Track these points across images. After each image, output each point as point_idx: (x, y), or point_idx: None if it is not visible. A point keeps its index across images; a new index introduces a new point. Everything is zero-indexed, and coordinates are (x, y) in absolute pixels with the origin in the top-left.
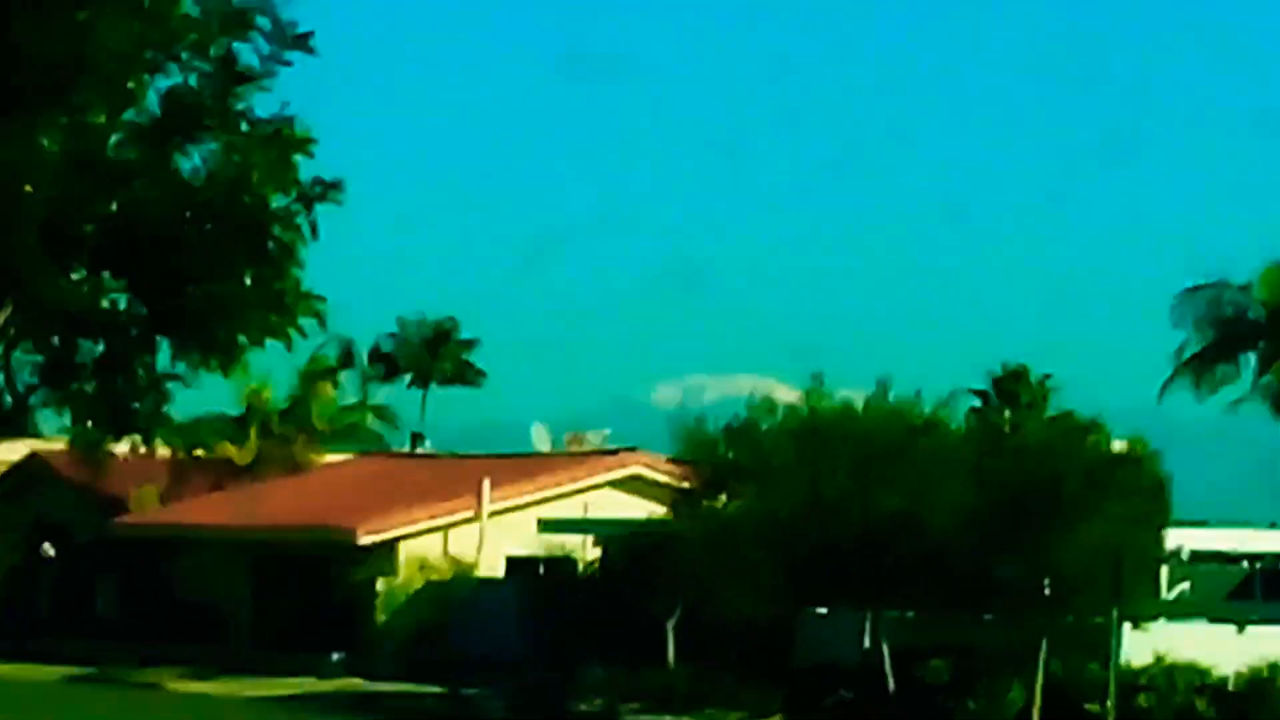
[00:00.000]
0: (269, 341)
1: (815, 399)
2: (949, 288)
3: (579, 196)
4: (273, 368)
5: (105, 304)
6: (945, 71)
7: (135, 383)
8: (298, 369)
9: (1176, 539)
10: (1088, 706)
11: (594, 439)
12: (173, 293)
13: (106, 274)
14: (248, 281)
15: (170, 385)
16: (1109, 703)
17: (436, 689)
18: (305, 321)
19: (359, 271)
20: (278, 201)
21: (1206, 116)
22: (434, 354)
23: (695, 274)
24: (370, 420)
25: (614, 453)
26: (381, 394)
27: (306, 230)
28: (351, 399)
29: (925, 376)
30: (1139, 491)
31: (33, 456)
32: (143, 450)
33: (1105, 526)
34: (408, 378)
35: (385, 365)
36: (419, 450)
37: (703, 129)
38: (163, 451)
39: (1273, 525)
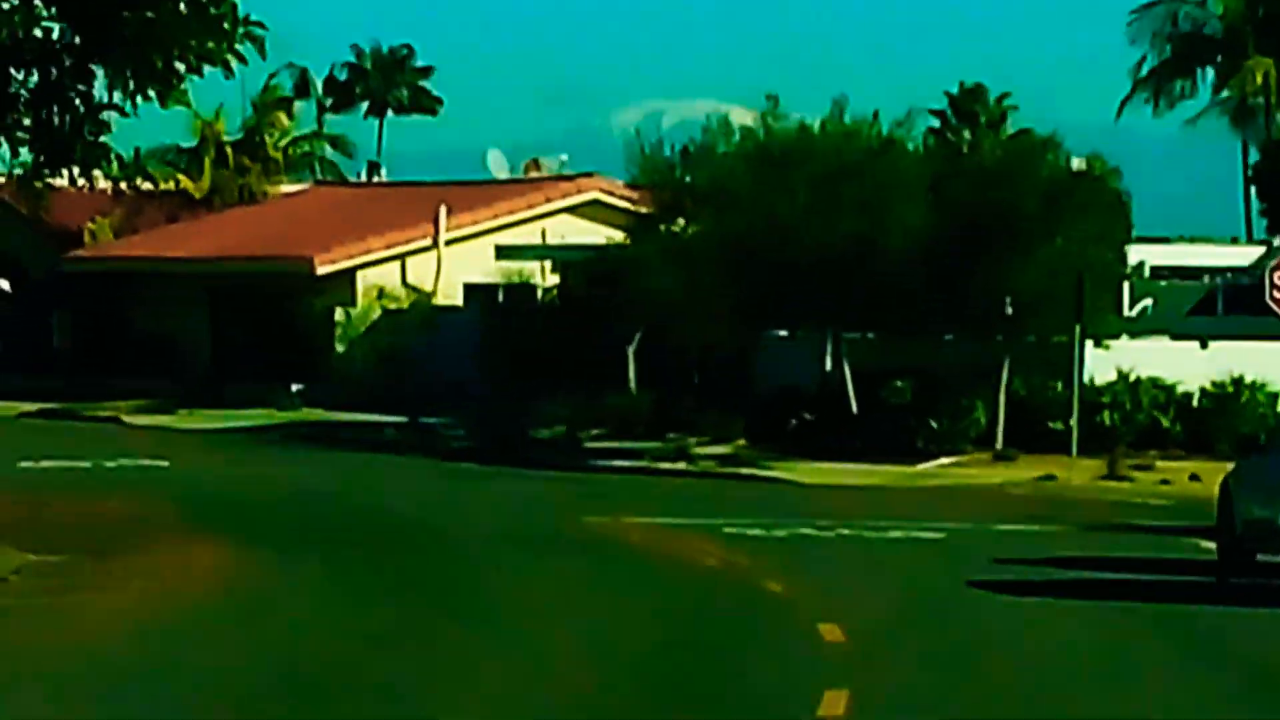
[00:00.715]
0: (218, 71)
1: (771, 121)
2: (906, 7)
3: None
4: (226, 98)
5: (38, 33)
6: None
7: (72, 113)
8: (251, 99)
9: (1138, 255)
10: (1051, 424)
11: (551, 165)
12: (107, 19)
13: (38, 2)
14: (183, 7)
15: (110, 115)
16: (1072, 420)
17: (396, 418)
18: (245, 49)
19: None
20: None
21: None
22: (389, 82)
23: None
24: (326, 150)
25: (571, 178)
26: (338, 124)
27: None
28: (308, 129)
29: (883, 98)
30: (1098, 208)
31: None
32: (82, 182)
33: (1065, 245)
34: (364, 106)
35: (341, 94)
36: (375, 179)
37: None
38: (109, 184)
39: (1234, 240)
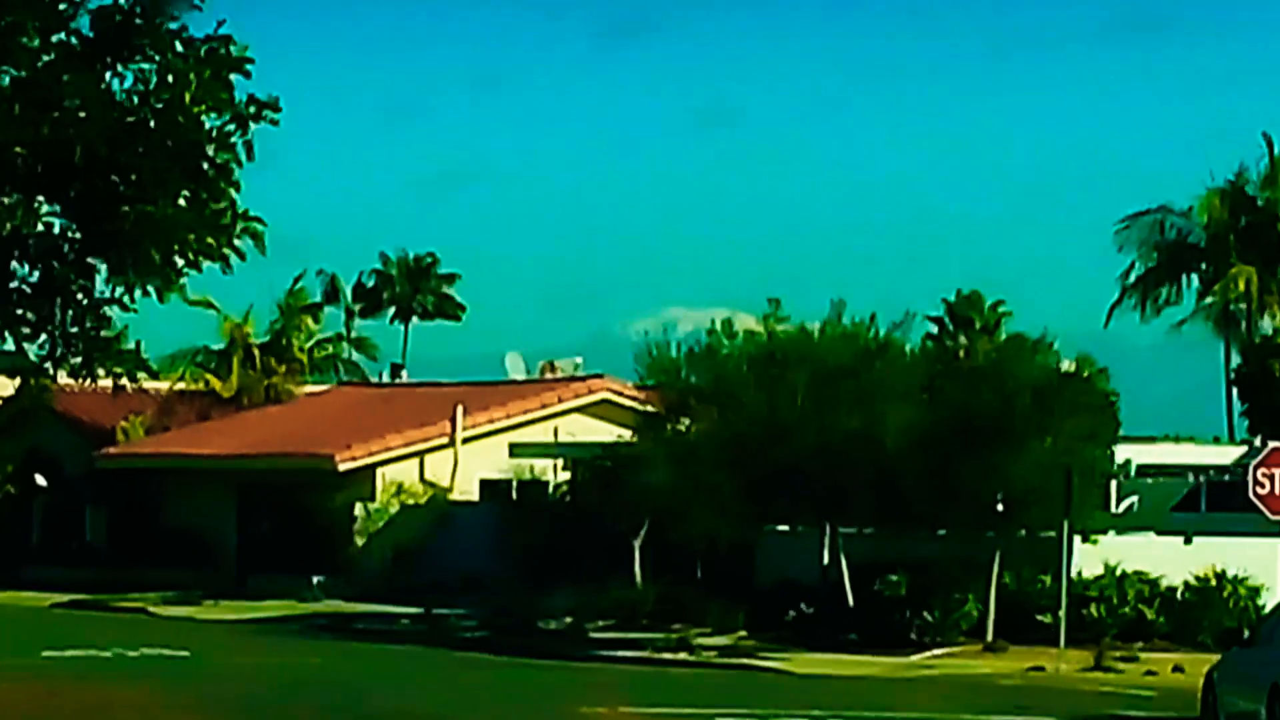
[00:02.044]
0: (245, 273)
1: (773, 323)
2: (908, 222)
3: (558, 133)
4: (255, 301)
5: (40, 228)
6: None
7: (75, 308)
8: (277, 302)
9: (1124, 453)
10: (1040, 617)
11: (566, 367)
12: (107, 215)
13: (40, 197)
14: (183, 203)
15: (114, 311)
16: (1060, 613)
17: (412, 609)
18: (244, 244)
19: (343, 208)
20: (212, 122)
21: (1147, 53)
22: (415, 288)
23: (670, 211)
24: (350, 352)
25: (583, 379)
26: (366, 328)
27: (242, 151)
28: (332, 332)
29: (883, 304)
30: (1087, 408)
31: (25, 389)
32: (85, 381)
33: (1055, 443)
34: (390, 311)
35: (368, 299)
36: (397, 380)
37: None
38: (152, 385)
39: (1216, 440)
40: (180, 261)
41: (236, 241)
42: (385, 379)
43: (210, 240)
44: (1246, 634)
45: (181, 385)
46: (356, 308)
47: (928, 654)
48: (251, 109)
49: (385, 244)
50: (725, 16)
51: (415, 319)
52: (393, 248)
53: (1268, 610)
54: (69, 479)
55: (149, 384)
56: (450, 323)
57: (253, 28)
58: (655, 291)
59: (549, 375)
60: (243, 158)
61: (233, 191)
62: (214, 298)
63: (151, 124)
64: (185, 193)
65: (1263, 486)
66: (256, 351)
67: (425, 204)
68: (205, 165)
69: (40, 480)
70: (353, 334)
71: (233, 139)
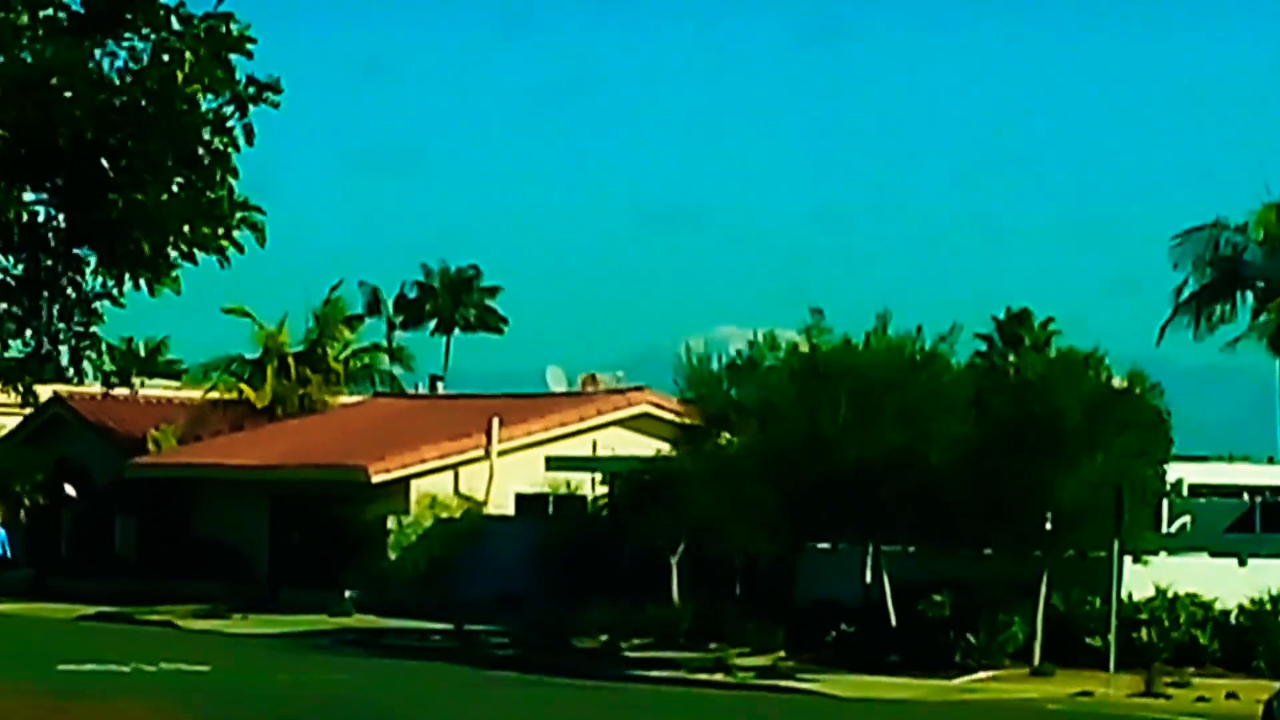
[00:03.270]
0: (281, 284)
1: (815, 335)
2: (955, 240)
3: (609, 140)
4: (291, 310)
5: (25, 216)
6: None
7: (63, 301)
8: (313, 311)
9: (1176, 473)
10: (1088, 640)
11: (608, 381)
12: (95, 203)
13: (23, 184)
14: (175, 188)
15: (103, 306)
16: (1110, 636)
17: (444, 625)
18: (243, 236)
19: (387, 218)
20: (209, 104)
21: (1201, 65)
22: (457, 300)
23: (725, 228)
24: (386, 363)
25: (623, 392)
26: (406, 341)
27: (241, 135)
28: (368, 342)
29: (930, 320)
30: (1139, 425)
31: (55, 398)
32: (71, 375)
33: (1106, 460)
34: (432, 324)
35: (410, 311)
36: (435, 392)
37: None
38: (188, 393)
39: (1270, 460)
40: (173, 253)
41: (235, 233)
42: (424, 391)
43: (205, 230)
44: None
45: (215, 395)
46: (398, 320)
47: (972, 677)
48: (251, 90)
49: (430, 255)
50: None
51: (457, 331)
52: (434, 259)
53: None
54: (99, 489)
55: (182, 393)
56: (493, 335)
57: (253, 7)
58: (707, 309)
59: (589, 389)
60: (241, 142)
61: (230, 179)
62: (250, 307)
63: (144, 106)
64: (179, 180)
65: None
66: (291, 361)
67: (469, 214)
68: (201, 151)
69: (69, 490)
70: (393, 345)
71: (231, 122)
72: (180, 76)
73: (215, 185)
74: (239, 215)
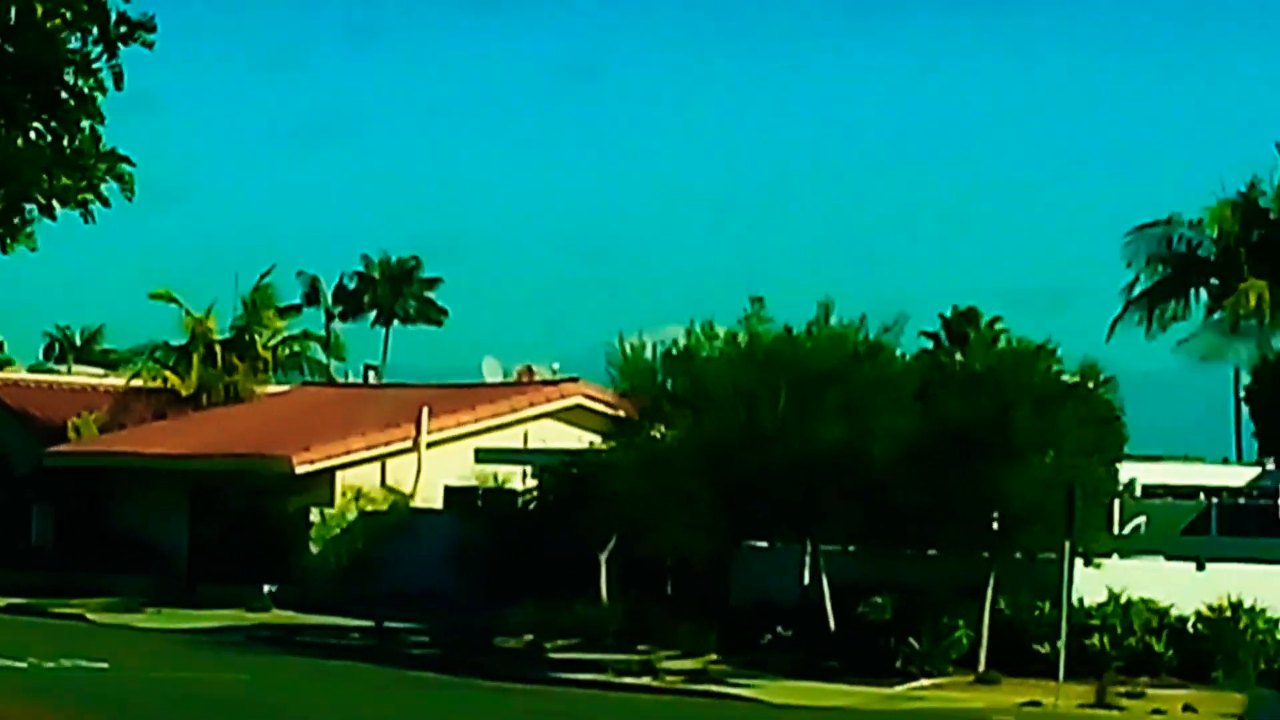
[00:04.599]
0: (211, 271)
1: (755, 324)
2: (906, 232)
3: (570, 131)
4: (221, 298)
5: None
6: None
7: None
8: (242, 296)
9: (1130, 472)
10: (1037, 647)
11: (545, 373)
12: None
13: None
14: (33, 135)
15: None
16: (1060, 642)
17: (365, 622)
18: (109, 189)
19: (328, 207)
20: (73, 43)
21: (1152, 58)
22: (397, 292)
23: (666, 224)
24: (319, 352)
25: (556, 383)
26: (346, 332)
27: (109, 78)
28: (299, 330)
29: (874, 312)
30: (1092, 421)
31: None
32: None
33: (1057, 458)
34: (371, 315)
35: (349, 302)
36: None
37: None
38: (114, 381)
39: (1225, 461)
40: (30, 207)
41: (101, 186)
42: (358, 381)
43: (66, 181)
44: None
45: (139, 382)
46: (337, 310)
47: (914, 684)
48: (123, 29)
49: (370, 245)
50: None
51: (397, 323)
52: (376, 249)
53: None
54: (17, 478)
55: (107, 381)
56: (434, 329)
57: None
58: (658, 309)
59: (524, 380)
60: (109, 86)
61: (96, 125)
62: (191, 297)
63: None
64: (36, 126)
65: None
66: (218, 348)
67: (415, 207)
68: (63, 93)
69: None
70: (333, 336)
71: (98, 64)
72: (39, 10)
73: (77, 134)
74: (103, 166)
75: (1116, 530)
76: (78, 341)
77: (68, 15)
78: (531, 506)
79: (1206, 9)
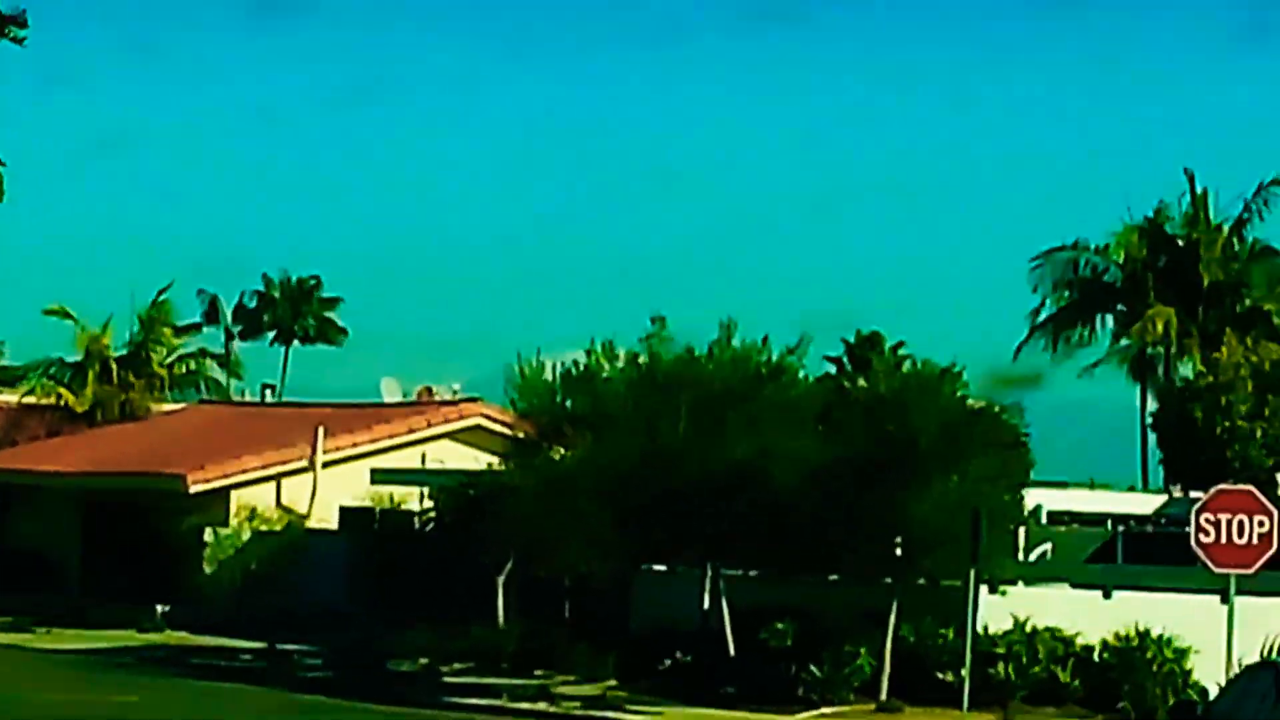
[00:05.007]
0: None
1: (656, 344)
2: (806, 257)
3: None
4: (117, 314)
5: None
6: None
7: None
8: (138, 313)
9: (1036, 498)
10: (941, 675)
11: (444, 393)
12: None
13: None
14: None
15: None
16: (964, 671)
17: (258, 644)
18: None
19: (228, 226)
20: None
21: (1058, 80)
22: (296, 311)
23: (577, 247)
24: (216, 370)
25: (454, 404)
26: (245, 351)
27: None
28: (196, 348)
29: (777, 334)
30: (998, 445)
31: None
32: None
33: (962, 482)
34: (271, 335)
35: (249, 321)
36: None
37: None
38: (6, 398)
39: (1131, 488)
40: None
41: None
42: (255, 400)
43: None
44: (1201, 708)
45: (32, 399)
46: (236, 329)
47: (814, 712)
48: None
49: (270, 265)
50: None
51: (296, 342)
52: (276, 268)
53: (1204, 676)
54: None
55: (0, 398)
56: (333, 348)
57: None
58: (565, 332)
59: (424, 400)
60: None
61: None
62: (73, 308)
63: None
64: None
65: (1206, 534)
66: (114, 365)
67: (316, 227)
68: None
69: None
70: (232, 355)
71: None
72: None
73: None
74: None
75: (1022, 557)
76: None
77: None
78: (428, 528)
79: (1114, 36)
